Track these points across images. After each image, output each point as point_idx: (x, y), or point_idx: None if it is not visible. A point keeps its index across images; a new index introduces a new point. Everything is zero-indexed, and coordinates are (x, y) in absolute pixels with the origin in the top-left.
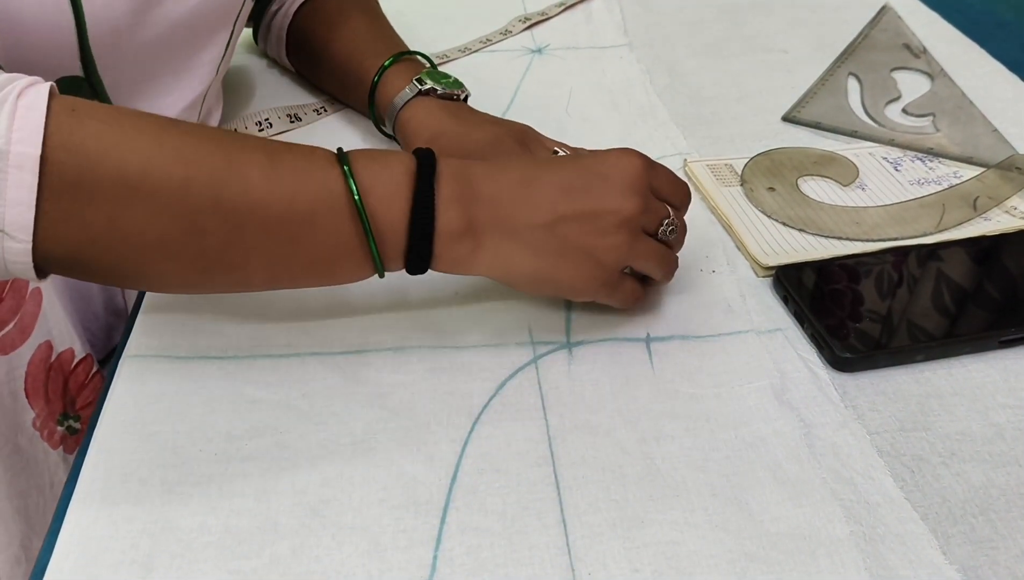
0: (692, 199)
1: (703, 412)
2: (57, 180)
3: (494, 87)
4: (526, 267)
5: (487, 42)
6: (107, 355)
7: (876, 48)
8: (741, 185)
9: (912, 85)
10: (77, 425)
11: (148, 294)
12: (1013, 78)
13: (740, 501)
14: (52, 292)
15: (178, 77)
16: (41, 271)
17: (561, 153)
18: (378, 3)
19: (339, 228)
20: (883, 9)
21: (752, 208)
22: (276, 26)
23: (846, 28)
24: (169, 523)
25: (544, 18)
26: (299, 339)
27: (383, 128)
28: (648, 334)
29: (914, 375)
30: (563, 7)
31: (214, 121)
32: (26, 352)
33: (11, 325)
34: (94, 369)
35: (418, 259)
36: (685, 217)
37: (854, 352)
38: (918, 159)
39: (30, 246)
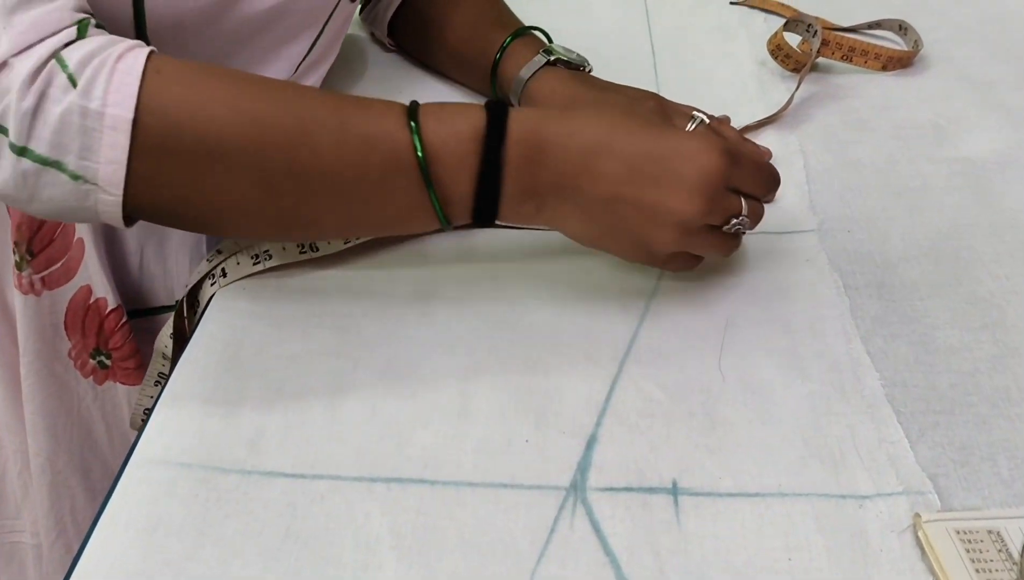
0: None
1: None
2: (145, 142)
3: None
4: (579, 232)
5: None
6: (135, 311)
7: None
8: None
9: None
10: (108, 362)
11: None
12: None
13: None
14: (92, 247)
15: (248, 69)
16: (129, 219)
17: (701, 119)
18: None
19: (408, 192)
20: None
21: None
22: (386, 2)
23: None
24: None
25: None
26: None
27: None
28: None
29: None
30: None
31: None
32: (68, 291)
33: (59, 265)
34: (123, 319)
35: (484, 217)
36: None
37: None
38: None
39: (120, 200)
